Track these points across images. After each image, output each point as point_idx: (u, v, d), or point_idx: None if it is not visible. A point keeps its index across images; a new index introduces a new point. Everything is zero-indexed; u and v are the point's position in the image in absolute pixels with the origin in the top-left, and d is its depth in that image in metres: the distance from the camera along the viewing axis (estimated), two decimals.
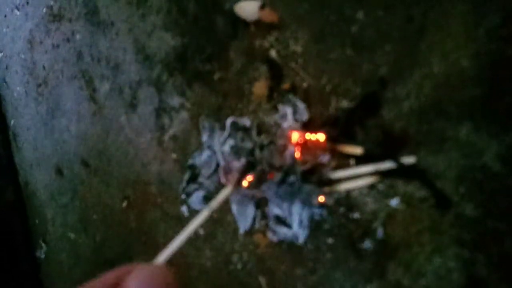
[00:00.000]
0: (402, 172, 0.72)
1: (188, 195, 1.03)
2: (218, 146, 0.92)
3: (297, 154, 0.82)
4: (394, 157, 0.73)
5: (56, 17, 1.45)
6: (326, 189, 0.81)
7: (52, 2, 1.46)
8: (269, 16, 0.85)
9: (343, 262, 0.83)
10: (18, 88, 1.76)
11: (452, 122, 0.67)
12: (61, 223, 1.67)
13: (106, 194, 1.40)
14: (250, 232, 0.96)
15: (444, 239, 0.70)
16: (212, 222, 1.05)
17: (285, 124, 0.85)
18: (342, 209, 0.82)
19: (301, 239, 0.86)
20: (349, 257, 0.82)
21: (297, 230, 0.85)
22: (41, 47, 1.56)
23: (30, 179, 1.84)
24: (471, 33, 0.65)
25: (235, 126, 0.91)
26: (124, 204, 1.32)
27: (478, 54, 0.65)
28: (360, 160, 0.78)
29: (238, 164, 0.86)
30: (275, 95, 0.88)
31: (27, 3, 1.59)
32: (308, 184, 0.80)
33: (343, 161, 0.80)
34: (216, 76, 0.98)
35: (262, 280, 0.98)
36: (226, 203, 0.99)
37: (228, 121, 0.92)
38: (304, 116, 0.83)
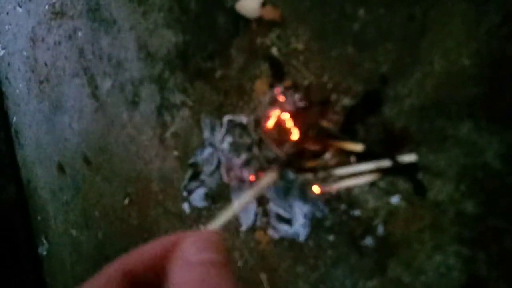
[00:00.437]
0: (403, 169, 0.73)
1: (190, 192, 1.03)
2: (218, 143, 0.92)
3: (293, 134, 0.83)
4: (394, 154, 0.73)
5: (58, 14, 1.45)
6: (321, 174, 0.81)
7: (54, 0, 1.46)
8: (270, 13, 0.85)
9: (344, 259, 0.84)
10: (20, 85, 1.77)
11: (453, 120, 0.68)
12: (63, 220, 1.68)
13: (108, 191, 1.40)
14: (251, 229, 0.97)
15: (444, 237, 0.71)
16: (213, 219, 1.05)
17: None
18: (343, 207, 0.82)
19: (302, 237, 0.86)
20: (350, 254, 0.83)
21: (298, 228, 0.85)
22: (43, 44, 1.56)
23: (32, 176, 1.84)
24: (472, 31, 0.65)
25: (232, 124, 0.91)
26: (126, 201, 1.32)
27: (479, 52, 0.65)
28: (361, 157, 0.78)
29: (239, 161, 0.86)
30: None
31: (30, 0, 1.60)
32: (303, 174, 0.81)
33: (344, 158, 0.80)
34: (218, 73, 0.98)
35: (263, 277, 0.98)
36: (226, 200, 1.00)
37: (225, 119, 0.92)
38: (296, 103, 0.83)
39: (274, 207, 0.87)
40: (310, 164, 0.81)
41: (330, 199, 0.83)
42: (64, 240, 1.69)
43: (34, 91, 1.67)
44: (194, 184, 1.02)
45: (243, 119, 0.90)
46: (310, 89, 0.83)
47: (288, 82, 0.86)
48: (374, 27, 0.74)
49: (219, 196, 1.02)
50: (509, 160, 0.63)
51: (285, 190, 0.84)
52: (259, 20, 0.88)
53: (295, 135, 0.84)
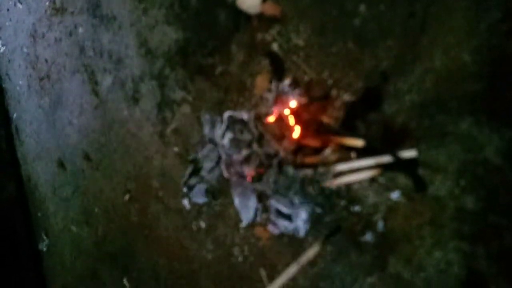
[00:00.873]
0: (403, 164, 0.73)
1: (190, 188, 1.03)
2: (218, 139, 0.93)
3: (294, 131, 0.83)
4: (395, 150, 0.73)
5: (59, 11, 1.45)
6: (321, 169, 0.81)
7: None
8: (271, 9, 0.85)
9: (344, 255, 0.84)
10: (20, 82, 1.76)
11: (453, 116, 0.68)
12: (63, 217, 1.68)
13: (108, 188, 1.40)
14: (251, 225, 0.97)
15: (444, 233, 0.71)
16: (214, 215, 1.06)
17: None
18: (343, 202, 0.82)
19: (302, 232, 0.86)
20: (350, 250, 0.83)
21: (299, 223, 0.85)
22: (44, 40, 1.56)
23: (33, 173, 1.84)
24: (472, 28, 0.65)
25: (232, 120, 0.91)
26: (126, 197, 1.32)
27: (479, 49, 0.65)
28: (362, 153, 0.78)
29: (239, 157, 0.87)
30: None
31: None
32: (303, 170, 0.81)
33: (344, 154, 0.80)
34: (218, 70, 0.98)
35: (263, 272, 0.98)
36: (227, 197, 1.00)
37: (225, 115, 0.92)
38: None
39: (274, 203, 0.87)
40: (310, 160, 0.81)
41: (329, 195, 0.83)
42: (64, 236, 1.69)
43: (34, 87, 1.67)
44: (194, 180, 1.02)
45: (244, 115, 0.90)
46: (310, 85, 0.83)
47: (288, 78, 0.86)
48: (374, 24, 0.74)
49: (219, 192, 1.02)
50: (509, 156, 0.63)
51: (285, 187, 0.84)
52: (260, 16, 0.88)
53: (296, 131, 0.84)
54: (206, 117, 0.99)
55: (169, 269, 1.23)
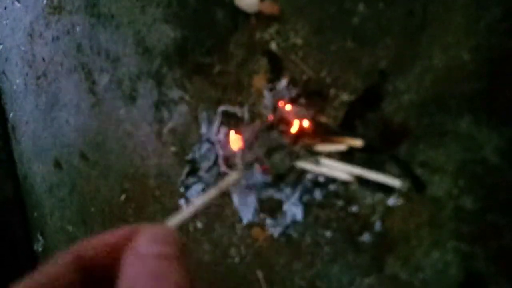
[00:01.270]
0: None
1: (187, 188, 1.03)
2: (214, 135, 0.92)
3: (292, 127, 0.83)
4: (393, 149, 0.73)
5: (56, 9, 1.45)
6: (303, 151, 0.81)
7: None
8: (269, 8, 0.85)
9: (341, 255, 0.83)
10: (17, 81, 1.76)
11: (452, 115, 0.67)
12: (59, 216, 1.67)
13: (104, 187, 1.40)
14: (249, 225, 0.96)
15: (443, 233, 0.70)
16: (211, 215, 1.05)
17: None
18: (340, 203, 0.81)
19: (299, 216, 0.86)
20: (347, 251, 0.82)
21: (292, 208, 0.85)
22: (41, 39, 1.56)
23: (29, 172, 1.83)
24: (471, 26, 0.65)
25: (226, 114, 0.91)
26: (123, 197, 1.32)
27: (478, 47, 0.65)
28: (361, 152, 0.78)
29: (236, 151, 0.86)
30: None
31: None
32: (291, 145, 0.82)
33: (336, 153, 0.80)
34: (216, 69, 0.98)
35: (260, 273, 0.98)
36: (224, 197, 0.99)
37: (219, 110, 0.92)
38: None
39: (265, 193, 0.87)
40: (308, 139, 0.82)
41: (317, 181, 0.83)
42: (60, 236, 1.68)
43: (31, 86, 1.66)
44: (191, 179, 1.01)
45: (238, 110, 0.90)
46: (309, 84, 0.83)
47: (286, 77, 0.86)
48: (373, 22, 0.73)
49: None
50: (508, 155, 0.63)
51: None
52: (258, 15, 0.88)
53: (294, 128, 0.83)
54: (203, 116, 0.99)
55: None
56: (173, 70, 1.08)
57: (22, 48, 1.68)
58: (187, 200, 1.08)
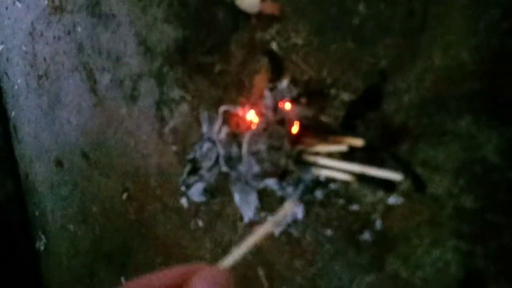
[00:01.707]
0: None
1: (188, 187, 1.03)
2: (215, 135, 0.93)
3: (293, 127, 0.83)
4: (393, 148, 0.73)
5: (58, 9, 1.45)
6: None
7: None
8: (270, 8, 0.85)
9: (342, 254, 0.84)
10: (19, 80, 1.76)
11: (452, 115, 0.68)
12: (60, 215, 1.68)
13: (106, 186, 1.40)
14: (250, 223, 0.97)
15: (443, 232, 0.71)
16: (212, 214, 1.05)
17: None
18: (341, 201, 0.82)
19: (300, 214, 0.86)
20: (348, 249, 0.83)
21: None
22: (42, 39, 1.56)
23: (30, 171, 1.84)
24: (471, 26, 0.65)
25: (228, 114, 0.91)
26: (124, 196, 1.32)
27: (478, 47, 0.65)
28: (361, 151, 0.78)
29: (237, 151, 0.87)
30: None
31: None
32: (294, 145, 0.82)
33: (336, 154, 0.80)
34: (217, 68, 0.98)
35: (261, 272, 0.98)
36: (225, 196, 1.00)
37: (221, 109, 0.92)
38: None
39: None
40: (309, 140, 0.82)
41: (317, 180, 0.83)
42: (62, 235, 1.69)
43: (32, 86, 1.67)
44: (192, 178, 1.02)
45: (239, 110, 0.90)
46: (309, 84, 0.83)
47: (287, 77, 0.86)
48: (374, 22, 0.74)
49: (218, 191, 1.02)
50: (508, 154, 0.63)
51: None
52: (259, 15, 0.88)
53: (294, 129, 0.84)
54: (204, 115, 0.99)
55: None
56: (174, 70, 1.08)
57: (24, 48, 1.68)
58: (188, 199, 1.08)
